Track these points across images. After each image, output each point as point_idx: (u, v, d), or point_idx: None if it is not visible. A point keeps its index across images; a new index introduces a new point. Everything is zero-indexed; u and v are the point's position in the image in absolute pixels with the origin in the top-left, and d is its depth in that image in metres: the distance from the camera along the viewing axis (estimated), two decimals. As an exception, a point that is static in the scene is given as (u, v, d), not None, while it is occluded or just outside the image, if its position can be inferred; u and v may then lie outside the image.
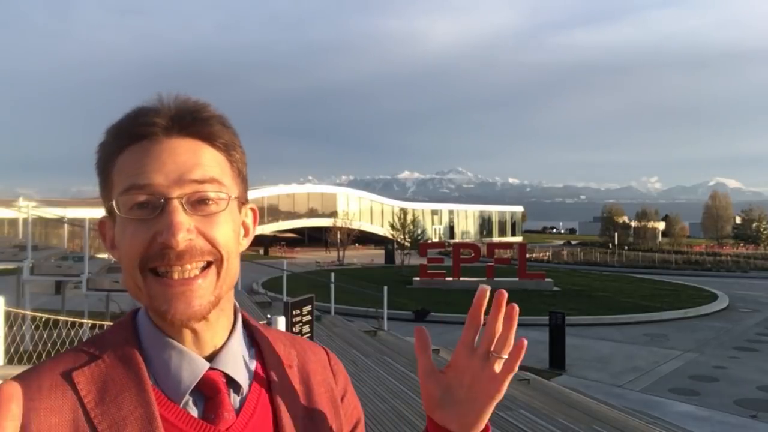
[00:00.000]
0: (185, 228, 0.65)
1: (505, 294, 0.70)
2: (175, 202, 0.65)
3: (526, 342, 0.71)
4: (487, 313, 0.70)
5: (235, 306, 0.77)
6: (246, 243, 0.77)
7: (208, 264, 0.68)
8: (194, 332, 0.70)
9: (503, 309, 0.70)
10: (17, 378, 0.67)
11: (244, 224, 0.76)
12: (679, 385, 10.67)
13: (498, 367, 0.71)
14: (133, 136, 0.68)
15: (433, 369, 0.74)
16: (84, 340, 0.74)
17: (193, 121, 0.69)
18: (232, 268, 0.71)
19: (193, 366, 0.69)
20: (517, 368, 0.71)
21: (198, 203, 0.67)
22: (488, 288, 0.70)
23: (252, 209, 0.78)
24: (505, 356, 0.71)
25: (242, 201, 0.75)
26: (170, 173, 0.66)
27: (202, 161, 0.69)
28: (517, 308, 0.70)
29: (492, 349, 0.71)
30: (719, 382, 10.82)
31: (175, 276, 0.65)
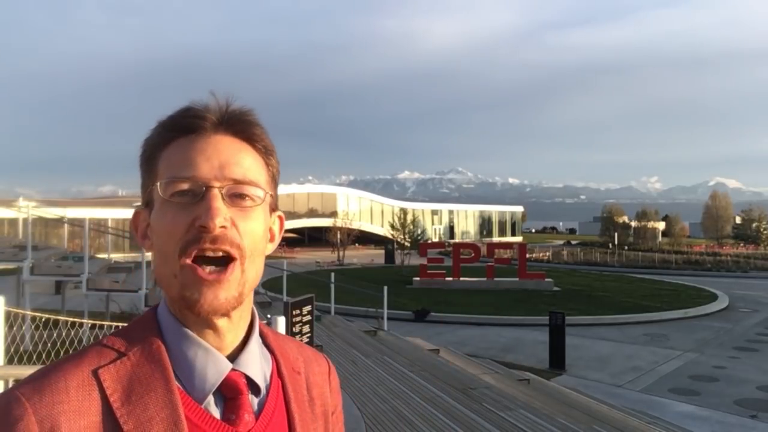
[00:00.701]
0: (222, 215, 0.68)
1: None
2: (216, 191, 0.69)
3: None
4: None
5: (252, 310, 0.78)
6: (271, 248, 0.79)
7: (233, 260, 0.69)
8: (216, 331, 0.71)
9: None
10: (40, 374, 0.66)
11: (270, 230, 0.78)
12: (679, 385, 10.66)
13: None
14: (183, 128, 0.72)
15: None
16: (83, 339, 0.73)
17: (239, 122, 0.74)
18: (256, 266, 0.73)
19: (218, 366, 0.70)
20: None
21: (235, 197, 0.71)
22: None
23: (280, 217, 0.81)
24: None
25: (272, 207, 0.78)
26: (213, 167, 0.70)
27: (242, 161, 0.72)
28: None
29: None
30: (719, 382, 10.81)
31: (209, 255, 0.68)
